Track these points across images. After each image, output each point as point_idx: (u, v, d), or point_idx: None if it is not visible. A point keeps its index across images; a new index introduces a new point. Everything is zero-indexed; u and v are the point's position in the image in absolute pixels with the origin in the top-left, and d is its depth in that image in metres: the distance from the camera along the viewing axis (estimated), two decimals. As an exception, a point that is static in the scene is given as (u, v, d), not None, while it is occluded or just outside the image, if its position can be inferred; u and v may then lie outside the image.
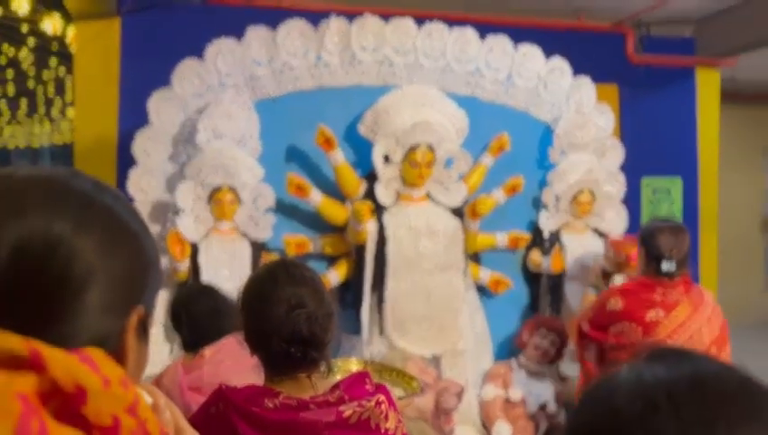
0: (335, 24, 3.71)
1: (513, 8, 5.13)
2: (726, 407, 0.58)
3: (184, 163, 3.63)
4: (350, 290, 3.69)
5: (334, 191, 3.70)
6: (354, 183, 3.68)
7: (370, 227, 3.58)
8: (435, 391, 3.37)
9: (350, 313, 3.60)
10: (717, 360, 0.65)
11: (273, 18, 3.74)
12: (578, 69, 4.16)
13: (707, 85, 5.57)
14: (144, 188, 3.67)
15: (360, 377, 1.60)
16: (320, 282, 1.61)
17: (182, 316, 2.49)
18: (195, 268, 3.43)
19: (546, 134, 4.14)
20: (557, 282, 3.98)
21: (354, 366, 2.10)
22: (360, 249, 3.62)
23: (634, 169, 4.66)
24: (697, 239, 5.19)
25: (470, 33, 3.92)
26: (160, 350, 3.24)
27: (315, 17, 3.77)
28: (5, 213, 0.66)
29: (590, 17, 5.40)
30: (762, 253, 9.80)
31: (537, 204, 4.11)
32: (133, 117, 3.88)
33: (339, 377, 1.67)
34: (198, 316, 2.45)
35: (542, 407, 3.74)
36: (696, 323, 2.92)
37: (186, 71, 3.65)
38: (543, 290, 4.04)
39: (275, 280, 1.57)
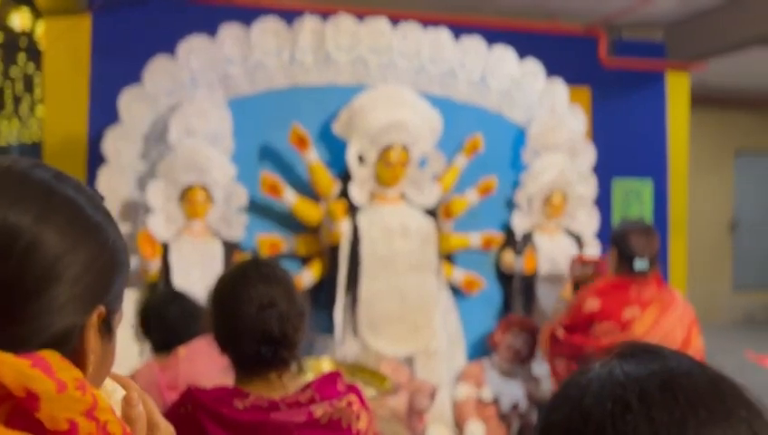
0: (309, 24, 3.70)
1: (487, 10, 5.15)
2: (697, 407, 0.58)
3: (155, 162, 3.59)
4: (324, 290, 3.68)
5: (308, 191, 3.69)
6: (328, 183, 3.67)
7: (344, 226, 3.57)
8: (408, 391, 3.37)
9: (323, 313, 3.58)
10: (689, 357, 0.65)
11: (246, 16, 3.72)
12: (551, 71, 4.19)
13: (678, 89, 5.65)
14: (114, 187, 3.62)
15: (332, 377, 1.59)
16: (292, 281, 1.60)
17: (151, 321, 2.47)
18: (166, 269, 3.39)
19: (519, 136, 4.16)
20: (529, 282, 4.01)
21: (326, 366, 2.09)
22: (334, 249, 3.61)
23: (605, 171, 4.72)
24: (667, 240, 5.26)
25: (445, 34, 3.93)
26: (129, 350, 3.20)
27: (289, 16, 3.75)
28: None
29: (564, 19, 5.44)
30: (730, 254, 9.97)
31: (510, 205, 4.13)
32: (104, 115, 3.82)
33: (310, 377, 1.67)
34: (168, 321, 2.42)
35: (515, 406, 3.76)
36: (668, 321, 2.97)
37: (158, 68, 3.61)
38: (516, 290, 4.06)
39: (246, 278, 1.55)
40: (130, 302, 3.53)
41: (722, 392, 0.60)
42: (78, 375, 0.64)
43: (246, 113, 3.70)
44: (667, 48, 5.83)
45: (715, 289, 9.58)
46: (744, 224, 9.99)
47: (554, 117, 4.12)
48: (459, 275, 3.97)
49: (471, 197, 3.89)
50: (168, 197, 3.45)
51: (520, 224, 4.07)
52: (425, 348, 3.70)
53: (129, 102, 3.62)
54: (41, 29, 5.49)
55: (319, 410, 1.48)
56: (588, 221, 4.28)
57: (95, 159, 3.76)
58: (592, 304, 3.01)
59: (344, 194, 3.65)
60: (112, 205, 3.60)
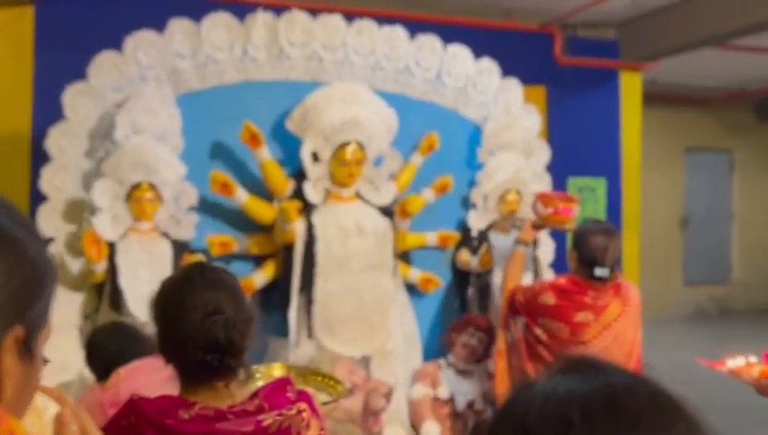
0: (262, 19, 3.63)
1: (443, 7, 5.14)
2: (638, 424, 0.60)
3: (101, 159, 3.47)
4: (278, 291, 3.62)
5: (261, 190, 3.62)
6: (281, 181, 3.60)
7: (299, 226, 3.51)
8: (364, 391, 3.33)
9: (277, 314, 3.52)
10: (629, 372, 0.67)
11: (196, 10, 3.63)
12: (507, 69, 4.19)
13: (630, 88, 5.73)
14: (59, 185, 3.50)
15: (281, 384, 1.55)
16: (238, 286, 1.54)
17: (93, 354, 2.48)
18: (112, 270, 3.28)
19: (475, 134, 4.16)
20: (485, 280, 4.01)
21: (277, 372, 2.03)
22: (288, 249, 3.54)
23: (560, 170, 4.75)
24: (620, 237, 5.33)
25: (400, 31, 3.90)
26: (75, 355, 3.09)
27: (241, 11, 3.67)
28: None
29: (520, 17, 5.46)
30: (681, 250, 10.20)
31: (466, 203, 4.13)
32: (47, 111, 3.70)
33: (261, 384, 1.61)
34: (109, 355, 2.41)
35: (470, 405, 3.76)
36: (621, 323, 2.99)
37: (103, 63, 3.50)
38: (472, 289, 4.06)
39: (191, 284, 1.49)
40: (76, 304, 3.42)
41: (662, 407, 0.62)
42: None
43: (196, 109, 3.61)
44: (619, 47, 5.91)
45: (666, 284, 9.79)
46: (695, 220, 10.22)
47: (509, 116, 4.12)
48: (416, 274, 3.95)
49: (427, 195, 3.87)
50: (114, 196, 3.35)
51: (475, 222, 4.07)
52: (381, 348, 3.66)
53: (74, 98, 3.50)
54: (-19, 21, 5.29)
55: (268, 419, 1.44)
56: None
57: (39, 156, 3.64)
58: (548, 299, 3.02)
59: (298, 193, 3.58)
60: (57, 204, 3.50)
